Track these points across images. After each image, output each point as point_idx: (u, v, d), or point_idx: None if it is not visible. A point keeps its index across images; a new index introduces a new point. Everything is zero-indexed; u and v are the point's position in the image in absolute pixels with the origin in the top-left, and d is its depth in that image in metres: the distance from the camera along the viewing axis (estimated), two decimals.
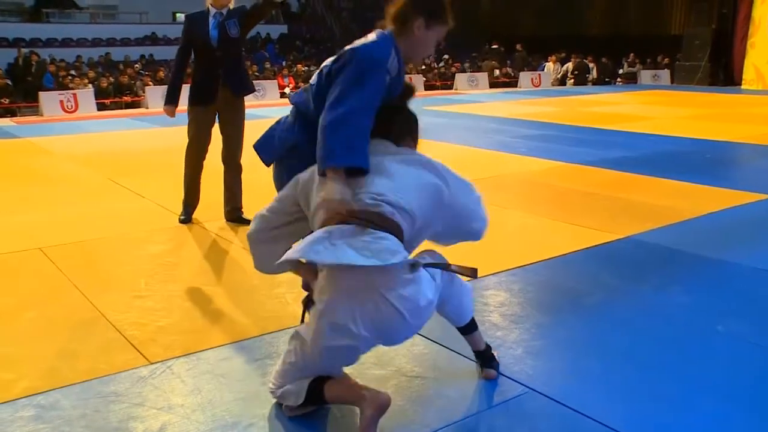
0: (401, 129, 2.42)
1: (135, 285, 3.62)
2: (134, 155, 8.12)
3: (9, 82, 15.55)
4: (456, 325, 2.46)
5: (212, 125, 4.74)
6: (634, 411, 2.30)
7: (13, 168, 7.49)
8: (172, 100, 4.71)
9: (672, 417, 2.27)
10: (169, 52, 19.53)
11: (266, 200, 2.46)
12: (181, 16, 22.78)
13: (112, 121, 12.36)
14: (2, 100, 14.75)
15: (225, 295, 3.49)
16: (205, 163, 4.88)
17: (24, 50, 17.92)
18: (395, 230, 2.10)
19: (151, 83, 16.26)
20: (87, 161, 7.71)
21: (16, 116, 14.35)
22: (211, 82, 4.59)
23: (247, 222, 4.67)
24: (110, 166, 7.29)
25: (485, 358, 2.53)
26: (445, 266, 2.21)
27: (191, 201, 4.90)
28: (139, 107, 15.54)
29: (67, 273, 3.80)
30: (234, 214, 4.81)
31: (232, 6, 4.60)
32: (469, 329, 2.48)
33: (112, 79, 16.37)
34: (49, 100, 14.42)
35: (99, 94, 15.46)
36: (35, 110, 14.58)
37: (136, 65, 18.76)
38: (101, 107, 15.09)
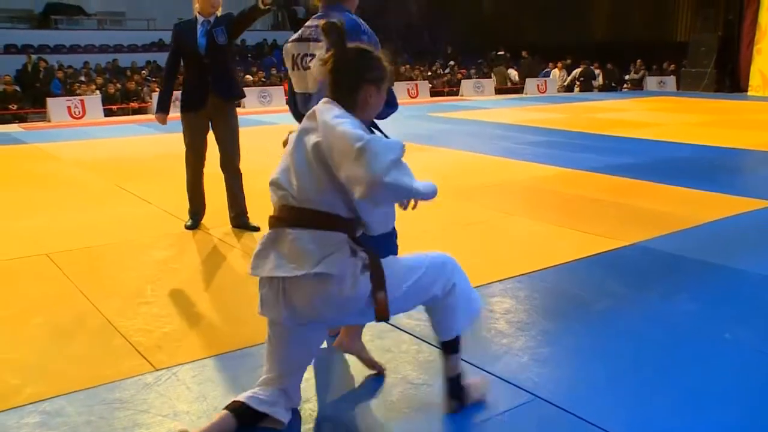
0: (338, 80, 2.10)
1: (141, 291, 3.62)
2: (141, 161, 8.15)
3: (17, 89, 15.64)
4: (437, 337, 2.34)
5: (206, 131, 4.78)
6: (640, 418, 2.29)
7: (21, 173, 7.53)
8: (162, 107, 4.78)
9: (678, 424, 2.26)
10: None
11: (269, 206, 2.46)
12: None
13: (119, 127, 12.41)
14: (10, 106, 14.84)
15: (230, 302, 3.49)
16: (212, 169, 4.90)
17: (33, 56, 18.00)
18: (324, 222, 2.05)
19: (158, 89, 16.30)
20: (94, 167, 7.74)
21: (24, 122, 14.43)
22: (200, 88, 4.63)
23: (253, 228, 4.69)
24: (117, 171, 7.31)
25: (454, 387, 2.32)
26: (375, 289, 2.06)
27: (197, 208, 4.92)
28: (146, 113, 15.59)
29: (74, 279, 3.81)
30: (239, 220, 4.82)
31: (219, 13, 4.65)
32: (447, 349, 2.30)
33: (119, 85, 16.44)
34: (56, 106, 14.50)
35: (106, 100, 15.54)
36: (43, 116, 14.66)
37: (143, 71, 18.83)
38: (108, 113, 15.16)
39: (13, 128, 12.98)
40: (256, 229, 4.72)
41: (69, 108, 14.55)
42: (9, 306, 3.43)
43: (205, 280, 3.83)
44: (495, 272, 3.76)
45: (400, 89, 19.43)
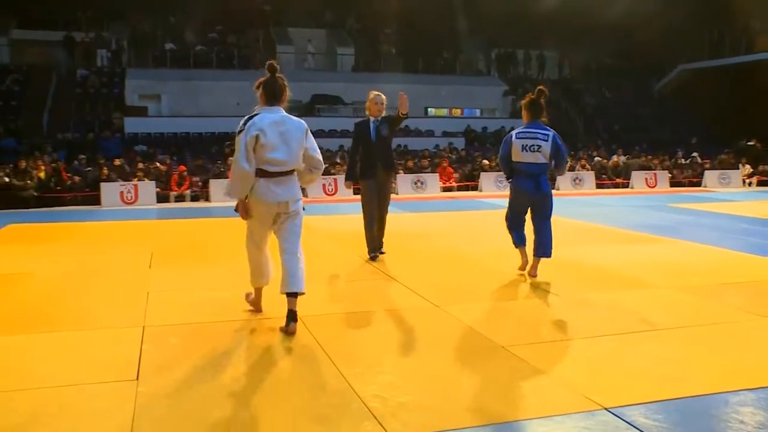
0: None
1: (379, 359, 3.88)
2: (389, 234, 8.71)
3: None
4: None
5: (377, 191, 6.82)
6: None
7: None
8: (351, 176, 7.17)
9: None
10: (419, 143, 20.99)
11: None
12: (430, 110, 24.68)
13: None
14: None
15: (471, 374, 3.58)
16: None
17: None
18: None
19: (402, 171, 17.51)
20: (342, 239, 8.60)
21: None
22: (373, 164, 6.79)
23: (381, 252, 7.07)
24: (361, 245, 7.81)
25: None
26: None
27: (375, 246, 6.98)
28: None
29: (321, 342, 4.19)
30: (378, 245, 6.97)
31: (384, 114, 6.80)
32: None
33: None
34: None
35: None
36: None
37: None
38: (357, 191, 16.53)
39: None
40: (383, 252, 7.06)
41: (324, 186, 16.60)
42: (257, 363, 3.88)
43: (439, 350, 3.99)
44: (745, 379, 3.45)
45: (637, 178, 18.70)
